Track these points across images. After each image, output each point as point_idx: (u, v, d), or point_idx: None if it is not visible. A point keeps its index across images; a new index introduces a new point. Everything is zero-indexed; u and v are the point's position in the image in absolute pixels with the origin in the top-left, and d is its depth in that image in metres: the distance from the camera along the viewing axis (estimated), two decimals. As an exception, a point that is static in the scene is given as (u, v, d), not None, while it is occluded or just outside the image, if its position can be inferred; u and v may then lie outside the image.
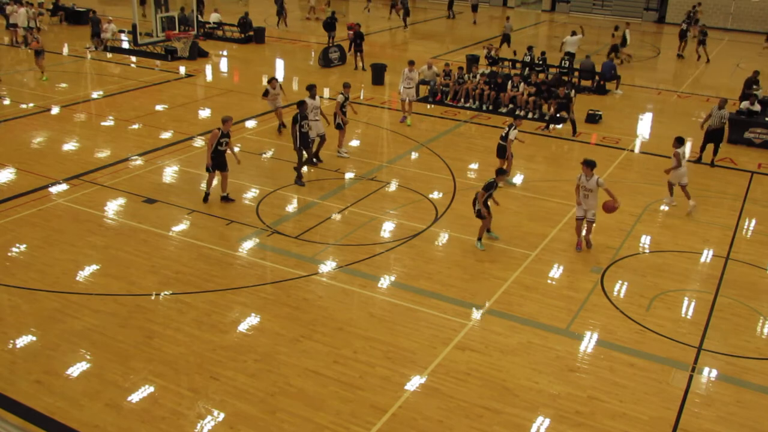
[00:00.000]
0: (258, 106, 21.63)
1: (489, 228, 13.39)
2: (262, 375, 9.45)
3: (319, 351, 9.98)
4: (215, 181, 14.65)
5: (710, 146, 17.82)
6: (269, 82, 18.81)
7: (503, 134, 16.14)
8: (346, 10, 43.21)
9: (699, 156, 18.07)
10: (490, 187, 12.94)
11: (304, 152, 15.56)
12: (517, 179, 16.56)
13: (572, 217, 14.51)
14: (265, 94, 19.04)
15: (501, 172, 13.37)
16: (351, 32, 28.66)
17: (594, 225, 13.23)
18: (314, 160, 16.56)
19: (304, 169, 15.86)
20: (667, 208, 15.23)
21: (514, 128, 16.03)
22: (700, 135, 18.57)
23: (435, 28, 39.09)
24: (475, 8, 40.23)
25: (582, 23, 34.45)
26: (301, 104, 15.49)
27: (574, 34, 27.50)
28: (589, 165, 12.81)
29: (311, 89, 16.58)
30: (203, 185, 14.89)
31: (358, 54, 26.99)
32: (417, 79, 21.15)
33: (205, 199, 14.53)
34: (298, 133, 15.24)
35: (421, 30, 38.29)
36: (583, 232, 13.22)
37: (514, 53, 27.49)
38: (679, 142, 14.85)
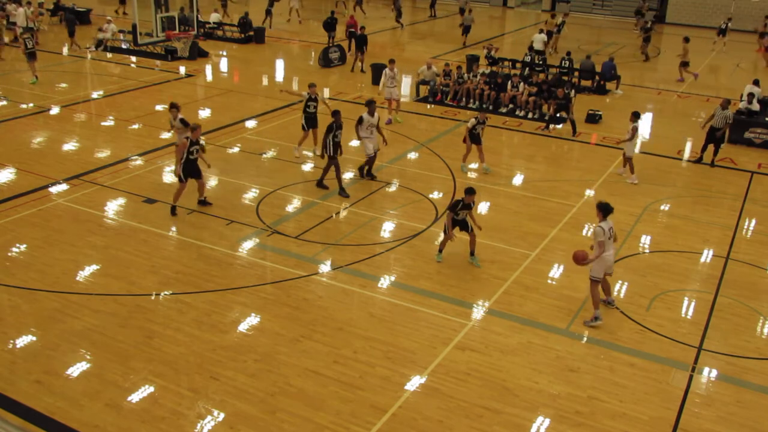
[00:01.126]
0: (257, 106, 21.65)
1: (473, 251, 12.47)
2: (262, 375, 9.45)
3: (319, 351, 9.98)
4: (197, 186, 14.10)
5: (711, 146, 17.82)
6: (170, 109, 15.08)
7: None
8: (347, 9, 43.16)
9: (700, 156, 18.06)
10: (454, 207, 12.18)
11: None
12: (517, 179, 16.59)
13: (572, 217, 14.54)
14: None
15: (470, 192, 12.11)
16: (351, 29, 28.72)
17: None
18: (370, 175, 16.09)
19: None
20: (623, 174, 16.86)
21: (476, 119, 16.47)
22: (700, 135, 18.58)
23: (435, 28, 39.07)
24: (462, 12, 38.61)
25: (583, 23, 34.49)
26: (336, 114, 15.00)
27: (541, 31, 28.27)
28: (602, 210, 10.79)
29: (369, 105, 15.60)
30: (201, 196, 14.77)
31: (359, 54, 26.92)
32: (399, 77, 20.98)
33: (173, 211, 13.90)
34: (330, 143, 14.83)
35: (421, 30, 38.31)
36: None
37: (464, 45, 31.97)
38: (636, 116, 16.37)
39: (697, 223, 14.64)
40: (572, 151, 19.10)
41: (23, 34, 24.68)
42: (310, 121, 16.98)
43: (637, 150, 16.85)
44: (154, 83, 24.24)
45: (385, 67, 24.98)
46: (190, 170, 13.77)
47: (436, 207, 14.77)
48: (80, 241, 12.85)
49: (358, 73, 26.68)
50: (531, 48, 27.70)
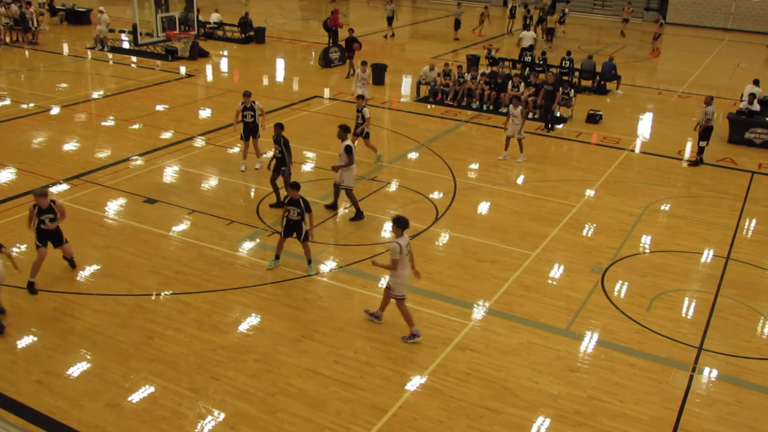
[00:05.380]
0: (258, 106, 21.63)
1: (310, 259, 11.98)
2: (263, 375, 9.45)
3: (319, 351, 9.98)
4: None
5: (703, 144, 17.79)
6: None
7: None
8: (347, 9, 43.17)
9: (700, 158, 18.05)
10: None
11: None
12: (518, 179, 16.59)
13: (572, 217, 14.55)
14: None
15: (294, 186, 11.58)
16: (333, 18, 28.97)
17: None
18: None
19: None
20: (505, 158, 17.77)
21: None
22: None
23: (435, 29, 39.06)
24: (389, 21, 34.61)
25: (583, 23, 34.54)
26: (276, 127, 13.97)
27: (527, 29, 29.64)
28: (400, 224, 10.02)
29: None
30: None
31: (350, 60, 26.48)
32: (368, 78, 21.03)
33: (30, 288, 11.17)
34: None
35: (421, 30, 38.29)
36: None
37: (456, 39, 33.59)
38: (518, 99, 17.91)
39: (697, 223, 14.64)
40: (572, 151, 19.10)
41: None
42: (248, 130, 16.19)
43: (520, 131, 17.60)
44: (154, 83, 24.23)
45: (386, 67, 25.15)
46: (46, 238, 11.26)
47: (436, 207, 14.76)
48: (81, 241, 12.84)
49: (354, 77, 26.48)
50: (525, 48, 27.70)
